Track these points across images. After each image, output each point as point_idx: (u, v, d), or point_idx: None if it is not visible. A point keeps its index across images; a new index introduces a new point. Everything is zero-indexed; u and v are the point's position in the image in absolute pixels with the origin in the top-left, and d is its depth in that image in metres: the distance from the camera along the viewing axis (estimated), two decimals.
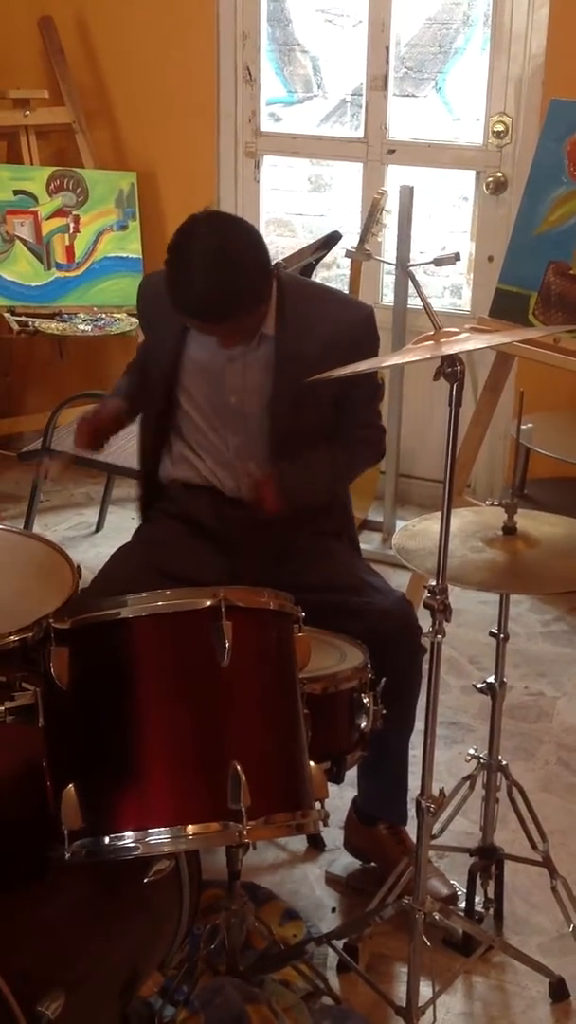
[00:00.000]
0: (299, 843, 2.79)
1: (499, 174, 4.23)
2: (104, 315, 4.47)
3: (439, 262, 3.83)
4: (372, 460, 2.75)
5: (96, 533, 4.33)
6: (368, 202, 4.11)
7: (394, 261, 3.97)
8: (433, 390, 2.43)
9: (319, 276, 4.29)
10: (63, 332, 4.40)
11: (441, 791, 2.21)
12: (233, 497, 2.62)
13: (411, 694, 2.49)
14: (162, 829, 1.82)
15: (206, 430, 2.61)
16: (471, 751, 2.51)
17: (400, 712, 2.44)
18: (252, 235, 2.39)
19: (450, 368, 2.03)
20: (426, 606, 2.12)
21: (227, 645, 1.86)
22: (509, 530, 2.29)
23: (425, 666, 2.24)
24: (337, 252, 4.19)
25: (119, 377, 2.87)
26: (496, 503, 2.36)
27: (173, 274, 2.35)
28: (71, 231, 4.50)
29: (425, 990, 2.26)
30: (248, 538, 2.59)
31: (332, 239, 4.07)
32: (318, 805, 1.98)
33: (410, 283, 3.33)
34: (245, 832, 1.83)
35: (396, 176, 4.35)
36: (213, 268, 2.30)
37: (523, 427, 3.80)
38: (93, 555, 4.01)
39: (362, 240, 4.03)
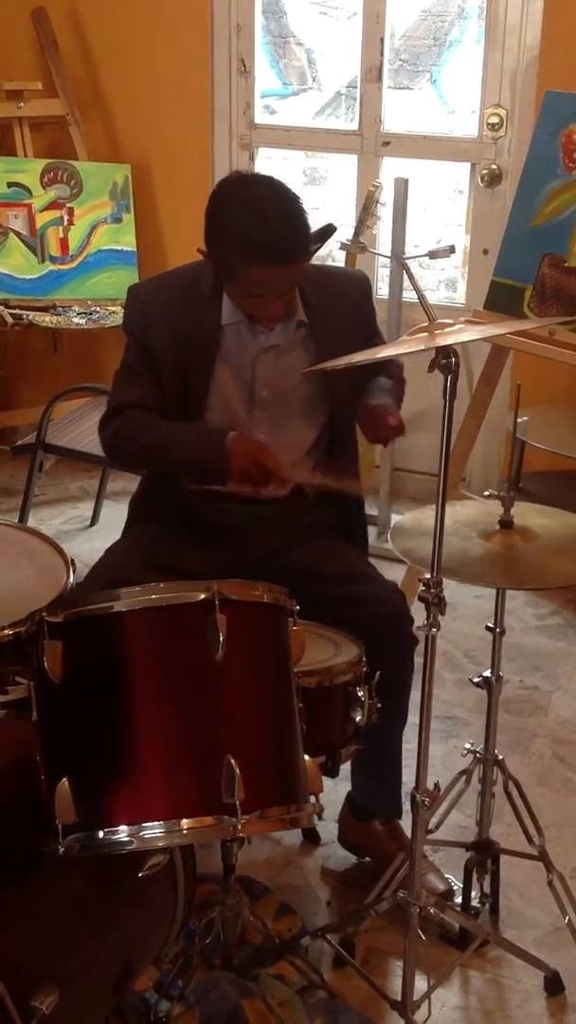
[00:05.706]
0: (294, 837, 2.78)
1: (494, 166, 4.22)
2: (98, 308, 4.46)
3: (434, 255, 3.83)
4: (402, 378, 2.75)
5: (91, 527, 4.32)
6: (363, 195, 4.10)
7: (389, 254, 3.96)
8: (428, 383, 2.42)
9: None
10: (57, 325, 4.39)
11: (436, 785, 2.21)
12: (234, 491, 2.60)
13: (403, 686, 2.48)
14: (156, 823, 1.82)
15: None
16: (467, 745, 2.50)
17: (393, 704, 2.43)
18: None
19: (444, 360, 2.02)
20: (421, 599, 2.11)
21: (221, 639, 1.86)
22: (506, 524, 2.28)
23: (420, 659, 2.23)
24: (332, 245, 4.17)
25: (113, 375, 2.66)
26: (493, 493, 2.35)
27: (245, 221, 2.38)
28: (65, 224, 4.49)
29: (420, 984, 2.25)
30: (248, 532, 2.58)
31: (327, 232, 4.05)
32: (312, 799, 1.97)
33: (405, 276, 3.31)
34: (239, 826, 1.82)
35: (391, 168, 4.34)
36: (287, 208, 2.40)
37: (519, 420, 3.80)
38: (88, 549, 4.00)
39: (357, 233, 4.02)
